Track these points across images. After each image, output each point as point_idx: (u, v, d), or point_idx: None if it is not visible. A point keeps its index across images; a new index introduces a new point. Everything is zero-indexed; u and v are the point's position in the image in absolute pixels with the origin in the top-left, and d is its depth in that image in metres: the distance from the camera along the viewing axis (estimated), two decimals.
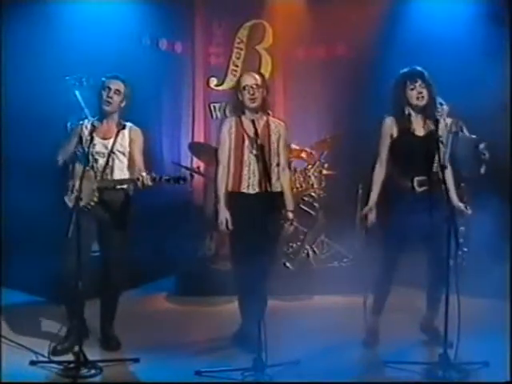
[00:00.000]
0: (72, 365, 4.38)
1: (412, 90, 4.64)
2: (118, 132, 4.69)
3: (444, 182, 4.40)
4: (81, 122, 4.80)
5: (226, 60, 7.43)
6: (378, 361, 4.57)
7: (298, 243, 6.46)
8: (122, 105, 4.76)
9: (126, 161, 4.76)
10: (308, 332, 5.00)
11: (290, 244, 6.42)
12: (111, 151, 4.69)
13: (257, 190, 4.71)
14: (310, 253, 6.49)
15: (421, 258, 4.78)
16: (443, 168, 4.44)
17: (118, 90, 4.70)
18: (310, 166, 6.67)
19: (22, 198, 5.54)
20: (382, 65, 6.47)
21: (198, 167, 7.10)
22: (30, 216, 5.50)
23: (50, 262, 4.88)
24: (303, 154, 6.63)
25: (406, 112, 4.69)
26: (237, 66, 7.40)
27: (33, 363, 4.44)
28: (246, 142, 4.73)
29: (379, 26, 6.78)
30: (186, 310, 5.93)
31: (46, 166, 5.00)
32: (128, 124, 4.76)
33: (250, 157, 4.71)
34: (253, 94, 4.70)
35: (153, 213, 6.20)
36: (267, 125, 4.79)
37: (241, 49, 7.41)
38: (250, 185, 4.73)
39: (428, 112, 4.69)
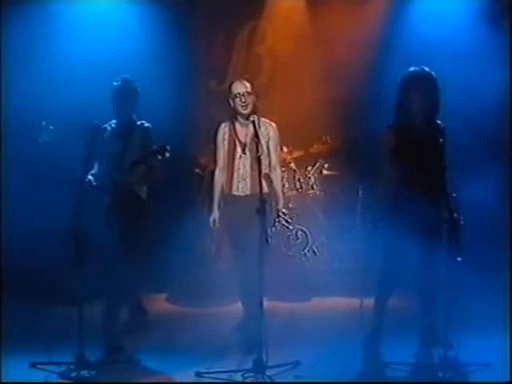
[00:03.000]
0: (72, 366, 4.39)
1: (416, 92, 4.61)
2: (132, 130, 5.06)
3: (445, 183, 4.39)
4: (97, 123, 4.97)
5: (227, 62, 7.42)
6: (379, 361, 4.56)
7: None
8: (133, 104, 5.15)
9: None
10: (308, 333, 5.01)
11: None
12: (128, 148, 5.03)
13: (247, 192, 4.91)
14: (310, 253, 6.49)
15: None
16: (444, 170, 4.43)
17: (127, 94, 5.08)
18: (310, 168, 6.70)
19: (24, 199, 5.56)
20: (382, 65, 6.47)
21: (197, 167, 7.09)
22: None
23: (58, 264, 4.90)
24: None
25: (408, 115, 4.66)
26: (237, 68, 7.39)
27: (33, 364, 4.44)
28: (237, 147, 4.94)
29: (378, 26, 6.77)
30: (185, 310, 5.94)
31: (46, 165, 5.02)
32: (141, 122, 5.16)
33: (239, 162, 4.94)
34: (244, 102, 4.88)
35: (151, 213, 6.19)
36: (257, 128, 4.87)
37: (241, 50, 7.40)
38: (240, 188, 4.93)
39: (431, 114, 4.65)
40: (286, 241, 6.43)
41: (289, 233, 6.42)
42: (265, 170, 4.84)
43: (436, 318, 4.71)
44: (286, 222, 6.34)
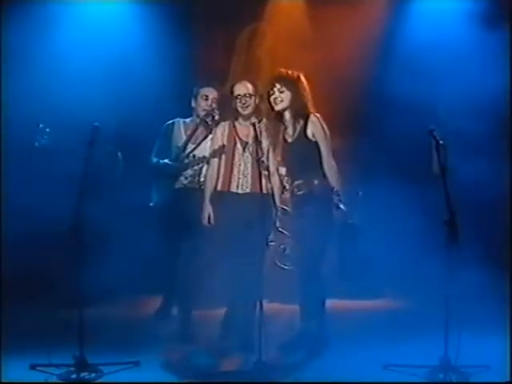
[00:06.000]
0: (72, 368, 4.38)
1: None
2: (208, 134, 5.17)
3: (445, 184, 4.39)
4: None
5: (228, 64, 7.42)
6: (379, 363, 4.56)
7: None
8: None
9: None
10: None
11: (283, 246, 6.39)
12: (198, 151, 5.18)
13: (246, 190, 4.92)
14: None
15: None
16: (444, 170, 4.44)
17: (214, 98, 5.27)
18: None
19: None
20: (383, 66, 6.48)
21: None
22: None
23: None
24: None
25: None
26: (237, 70, 7.39)
27: (33, 366, 4.43)
28: (238, 145, 4.96)
29: (378, 28, 6.79)
30: None
31: (46, 165, 5.02)
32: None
33: (240, 158, 4.95)
34: (245, 103, 4.95)
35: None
36: (259, 131, 4.89)
37: (241, 52, 7.40)
38: (240, 185, 4.93)
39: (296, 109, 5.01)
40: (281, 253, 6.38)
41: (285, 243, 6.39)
42: (264, 172, 4.84)
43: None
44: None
